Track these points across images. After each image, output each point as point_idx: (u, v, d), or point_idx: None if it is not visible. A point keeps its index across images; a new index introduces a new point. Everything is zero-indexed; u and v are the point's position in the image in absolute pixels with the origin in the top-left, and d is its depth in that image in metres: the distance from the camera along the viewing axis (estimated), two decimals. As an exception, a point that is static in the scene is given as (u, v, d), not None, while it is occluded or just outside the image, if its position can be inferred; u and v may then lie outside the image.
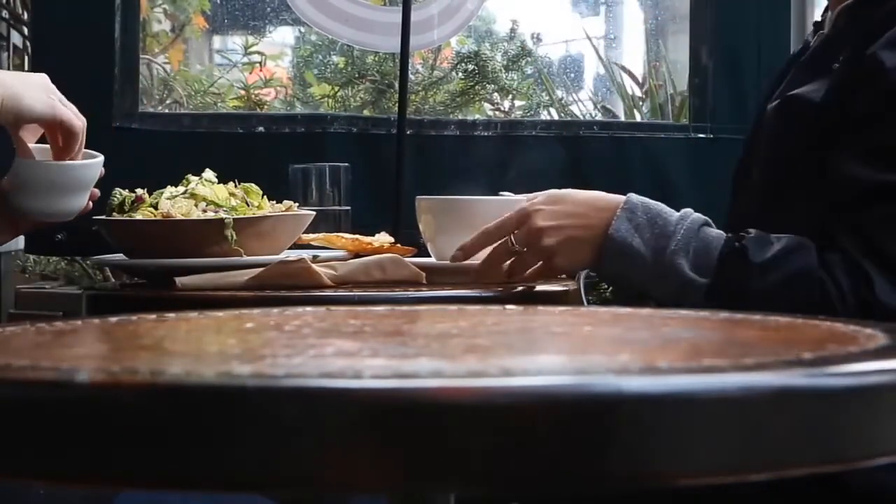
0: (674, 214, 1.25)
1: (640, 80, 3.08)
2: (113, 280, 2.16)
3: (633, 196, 1.28)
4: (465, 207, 1.46)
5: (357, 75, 3.18)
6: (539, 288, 1.35)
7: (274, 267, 1.32)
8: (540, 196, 1.33)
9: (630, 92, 3.05)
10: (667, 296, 1.25)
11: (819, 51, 1.31)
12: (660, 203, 1.27)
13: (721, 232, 1.24)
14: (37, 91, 1.26)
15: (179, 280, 1.32)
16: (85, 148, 1.33)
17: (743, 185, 1.38)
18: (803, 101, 1.24)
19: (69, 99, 1.30)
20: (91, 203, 1.36)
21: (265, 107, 3.13)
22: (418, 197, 1.51)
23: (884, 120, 1.17)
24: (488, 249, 1.34)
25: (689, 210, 1.26)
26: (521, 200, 1.37)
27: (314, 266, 1.32)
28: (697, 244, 1.22)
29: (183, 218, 1.41)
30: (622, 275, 1.28)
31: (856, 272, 1.14)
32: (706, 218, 1.26)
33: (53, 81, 1.30)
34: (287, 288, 1.30)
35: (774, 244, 1.18)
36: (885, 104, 1.17)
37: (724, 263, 1.20)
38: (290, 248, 1.48)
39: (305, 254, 1.41)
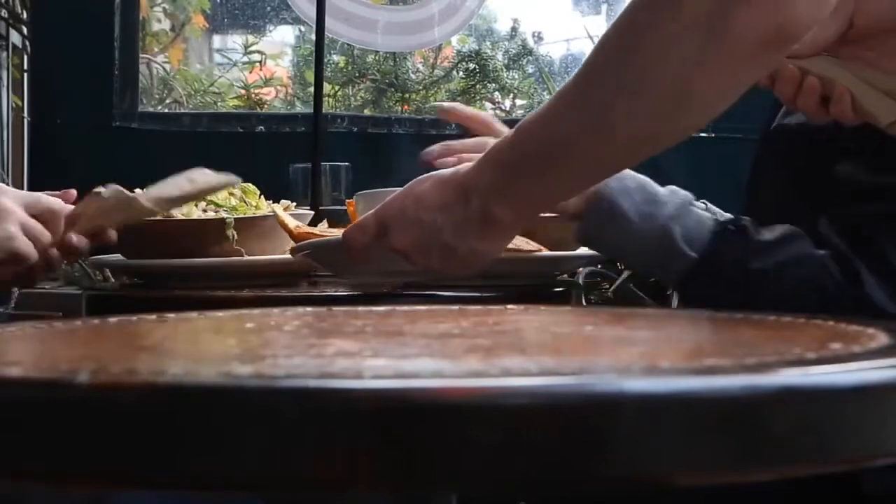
0: (658, 186, 1.25)
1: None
2: (113, 280, 2.15)
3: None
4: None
5: (357, 74, 3.18)
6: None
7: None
8: None
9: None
10: (643, 263, 1.25)
11: None
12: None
13: (707, 211, 1.24)
14: None
15: (141, 196, 1.24)
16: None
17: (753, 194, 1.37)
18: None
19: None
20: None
21: (265, 106, 3.13)
22: (357, 193, 1.57)
23: None
24: None
25: (675, 187, 1.26)
26: None
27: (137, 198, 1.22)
28: (688, 218, 1.22)
29: (183, 218, 1.40)
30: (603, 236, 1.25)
31: (846, 269, 1.15)
32: (692, 195, 1.26)
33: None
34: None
35: (774, 229, 1.19)
36: None
37: (721, 240, 1.20)
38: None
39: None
